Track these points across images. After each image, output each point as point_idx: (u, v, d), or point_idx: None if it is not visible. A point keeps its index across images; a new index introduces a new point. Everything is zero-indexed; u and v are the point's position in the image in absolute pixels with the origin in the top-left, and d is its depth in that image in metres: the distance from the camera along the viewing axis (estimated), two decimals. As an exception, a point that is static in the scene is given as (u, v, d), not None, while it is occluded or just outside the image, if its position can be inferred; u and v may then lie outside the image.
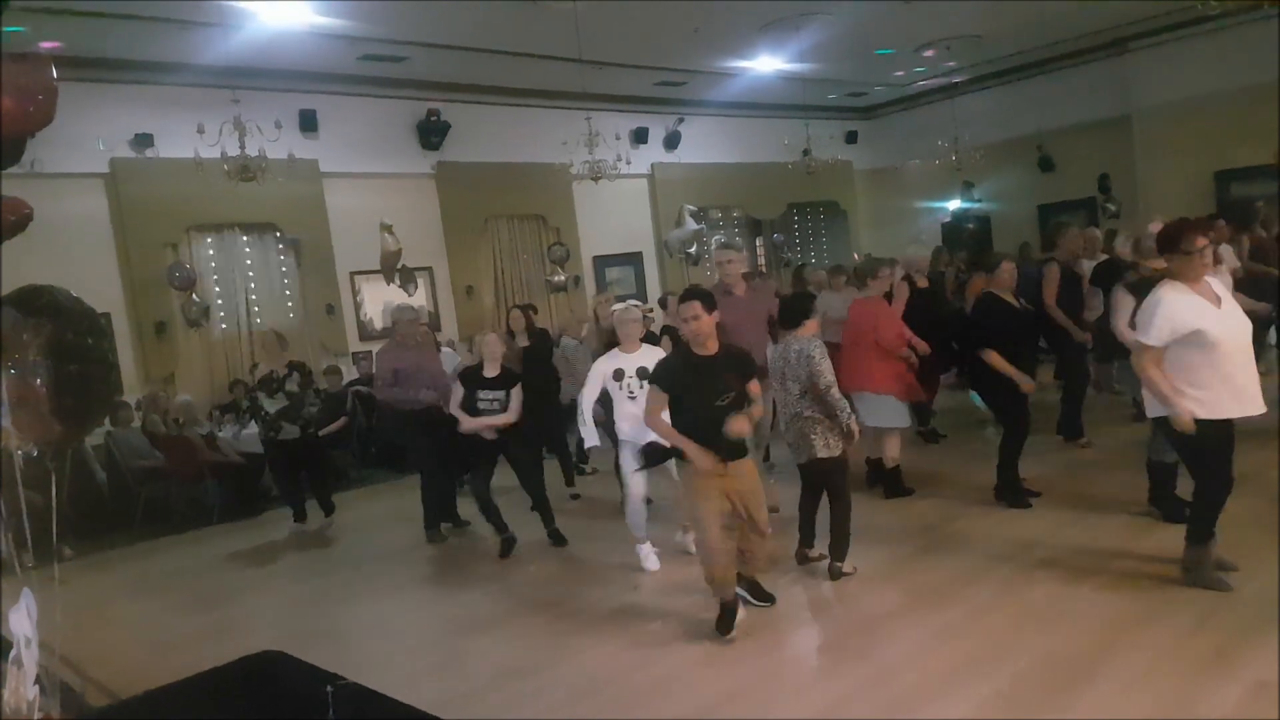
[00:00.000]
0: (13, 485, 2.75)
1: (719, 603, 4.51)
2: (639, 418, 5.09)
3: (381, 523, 7.99)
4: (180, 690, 2.72)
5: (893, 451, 6.59)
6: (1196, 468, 4.38)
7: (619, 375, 5.51)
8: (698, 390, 4.39)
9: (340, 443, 9.99)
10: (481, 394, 6.32)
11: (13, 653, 2.40)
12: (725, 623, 4.45)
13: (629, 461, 5.52)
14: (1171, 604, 4.23)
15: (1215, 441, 4.18)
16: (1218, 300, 4.19)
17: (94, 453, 8.60)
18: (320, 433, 9.72)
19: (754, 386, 4.54)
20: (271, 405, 7.60)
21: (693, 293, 4.55)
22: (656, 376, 4.58)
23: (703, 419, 4.35)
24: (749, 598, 4.76)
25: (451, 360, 8.76)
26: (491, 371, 6.35)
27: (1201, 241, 4.14)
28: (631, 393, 5.44)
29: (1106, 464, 6.68)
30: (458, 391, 6.41)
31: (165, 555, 7.76)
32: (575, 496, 7.84)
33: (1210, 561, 4.38)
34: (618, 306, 5.99)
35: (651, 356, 5.39)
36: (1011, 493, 5.99)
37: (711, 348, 4.46)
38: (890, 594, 4.83)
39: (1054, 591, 4.57)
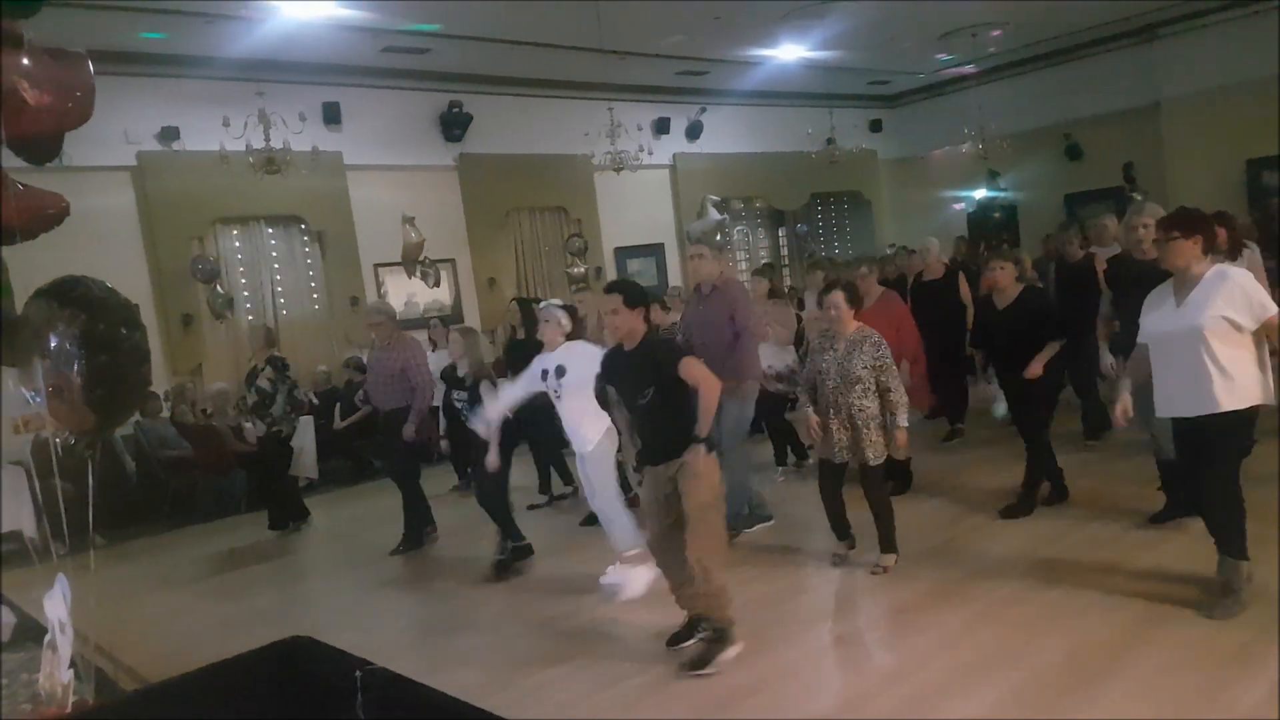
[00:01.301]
0: (48, 475, 2.80)
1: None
2: (568, 420, 5.20)
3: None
4: (210, 675, 2.76)
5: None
6: None
7: (544, 375, 5.29)
8: (623, 388, 4.30)
9: (362, 434, 10.08)
10: (455, 394, 6.19)
11: (47, 637, 2.45)
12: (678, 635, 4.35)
13: (581, 468, 5.42)
14: (1192, 602, 4.17)
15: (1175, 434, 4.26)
16: (1180, 299, 4.04)
17: (123, 443, 8.73)
18: (344, 424, 9.85)
19: (690, 369, 4.00)
20: (249, 399, 7.50)
21: (614, 285, 4.32)
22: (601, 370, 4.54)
23: (634, 414, 4.23)
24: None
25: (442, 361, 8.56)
26: (464, 370, 6.11)
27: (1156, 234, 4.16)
28: (556, 392, 5.22)
29: (1129, 462, 6.59)
30: (440, 390, 6.21)
31: (193, 544, 7.86)
32: (536, 506, 7.52)
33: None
34: (540, 307, 5.74)
35: (568, 354, 5.23)
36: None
37: (630, 343, 4.21)
38: (906, 592, 4.77)
39: (1072, 590, 4.51)
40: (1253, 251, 6.67)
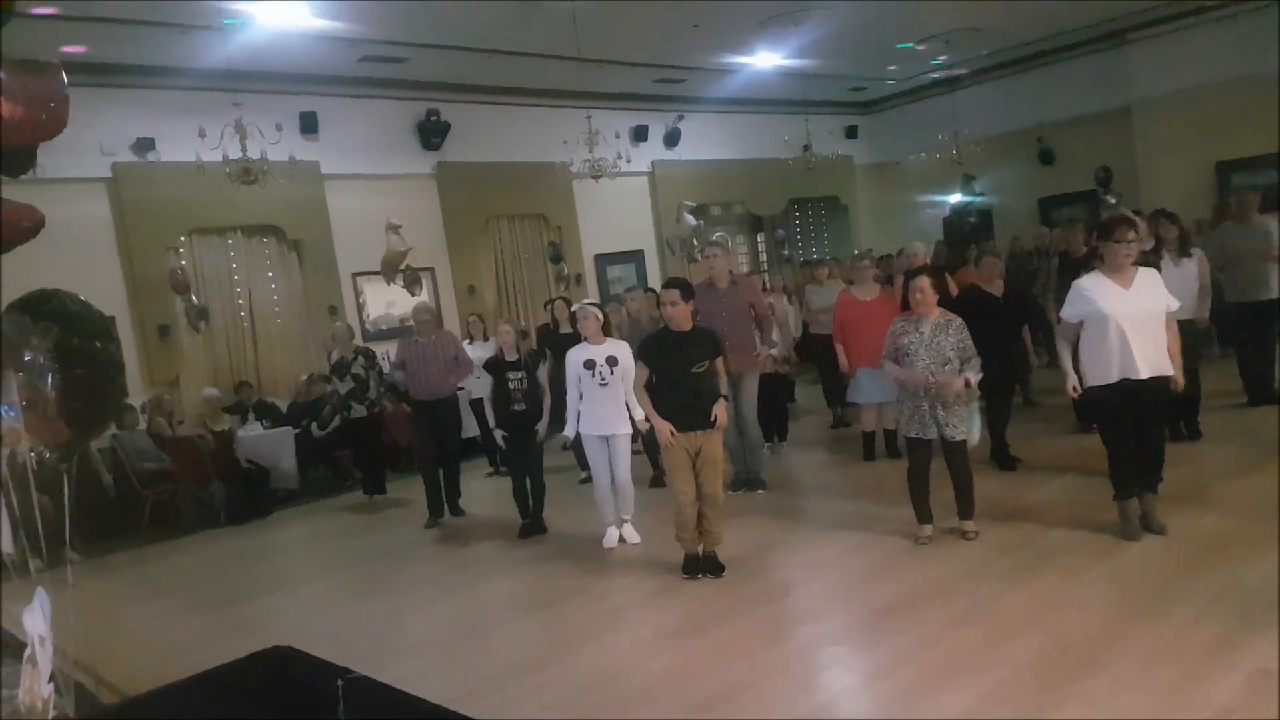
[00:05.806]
0: (25, 488, 2.77)
1: (684, 553, 5.36)
2: (605, 408, 5.98)
3: (385, 520, 8.03)
4: (191, 686, 2.74)
5: (867, 421, 7.74)
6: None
7: (590, 365, 6.06)
8: (675, 360, 5.21)
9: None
10: (509, 375, 6.90)
11: (27, 651, 2.43)
12: (690, 566, 5.33)
13: (594, 451, 6.14)
14: (1174, 593, 4.25)
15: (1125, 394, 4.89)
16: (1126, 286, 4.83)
17: (100, 456, 8.64)
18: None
19: (719, 364, 5.32)
20: (343, 388, 8.43)
21: (673, 282, 5.44)
22: (640, 353, 5.38)
23: (680, 385, 5.16)
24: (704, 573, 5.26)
25: (480, 352, 8.79)
26: (511, 356, 6.94)
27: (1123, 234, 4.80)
28: (603, 379, 6.01)
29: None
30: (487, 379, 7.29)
31: (172, 557, 7.81)
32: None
33: (1130, 515, 4.96)
34: (576, 306, 6.69)
35: (617, 348, 6.10)
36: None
37: (686, 327, 5.29)
38: (894, 585, 4.85)
39: (1056, 582, 4.60)
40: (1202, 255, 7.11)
